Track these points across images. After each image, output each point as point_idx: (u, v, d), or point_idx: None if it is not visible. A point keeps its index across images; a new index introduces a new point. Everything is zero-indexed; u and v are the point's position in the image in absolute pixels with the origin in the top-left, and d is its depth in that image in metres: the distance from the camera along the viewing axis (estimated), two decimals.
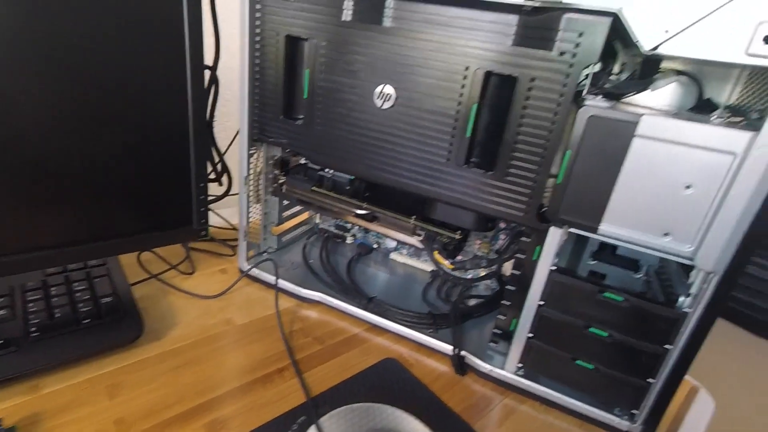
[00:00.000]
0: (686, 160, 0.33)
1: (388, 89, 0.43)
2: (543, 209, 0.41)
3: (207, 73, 0.48)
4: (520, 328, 0.44)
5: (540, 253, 0.41)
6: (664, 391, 0.40)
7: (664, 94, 0.38)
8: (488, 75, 0.39)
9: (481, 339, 0.51)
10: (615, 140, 0.35)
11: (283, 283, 0.56)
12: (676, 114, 0.35)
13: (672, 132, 0.33)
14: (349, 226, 0.69)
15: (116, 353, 0.42)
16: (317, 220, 0.72)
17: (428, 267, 0.64)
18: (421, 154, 0.44)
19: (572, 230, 0.39)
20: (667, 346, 0.38)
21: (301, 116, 0.50)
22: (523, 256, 0.44)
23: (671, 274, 0.43)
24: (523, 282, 0.44)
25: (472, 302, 0.57)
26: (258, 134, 0.52)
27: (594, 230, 0.38)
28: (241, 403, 0.39)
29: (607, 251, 0.50)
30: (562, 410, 0.44)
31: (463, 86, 0.40)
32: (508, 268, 0.52)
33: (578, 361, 0.42)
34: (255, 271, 0.58)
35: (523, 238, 0.43)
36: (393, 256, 0.66)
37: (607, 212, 0.37)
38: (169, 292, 0.53)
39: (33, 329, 0.40)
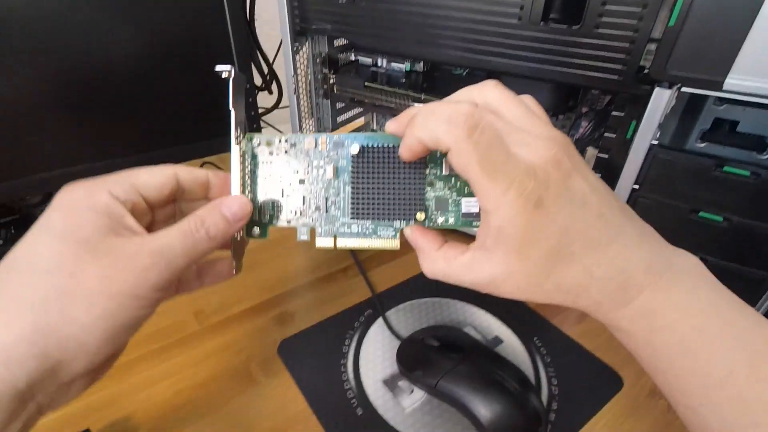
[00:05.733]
0: None
1: None
2: (644, 70, 0.32)
3: None
4: None
5: (635, 129, 0.34)
6: None
7: None
8: None
9: None
10: None
11: None
12: None
13: None
14: None
15: None
16: (374, 127, 0.68)
17: None
18: (487, 16, 0.36)
19: (686, 89, 0.31)
20: None
21: None
22: (613, 135, 0.36)
23: None
24: (612, 166, 0.37)
25: None
26: (300, 23, 0.47)
27: (719, 86, 0.29)
28: (308, 298, 0.40)
29: (724, 128, 0.41)
30: None
31: None
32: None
33: None
34: None
35: (615, 113, 0.36)
36: None
37: (738, 59, 0.28)
38: None
39: None
